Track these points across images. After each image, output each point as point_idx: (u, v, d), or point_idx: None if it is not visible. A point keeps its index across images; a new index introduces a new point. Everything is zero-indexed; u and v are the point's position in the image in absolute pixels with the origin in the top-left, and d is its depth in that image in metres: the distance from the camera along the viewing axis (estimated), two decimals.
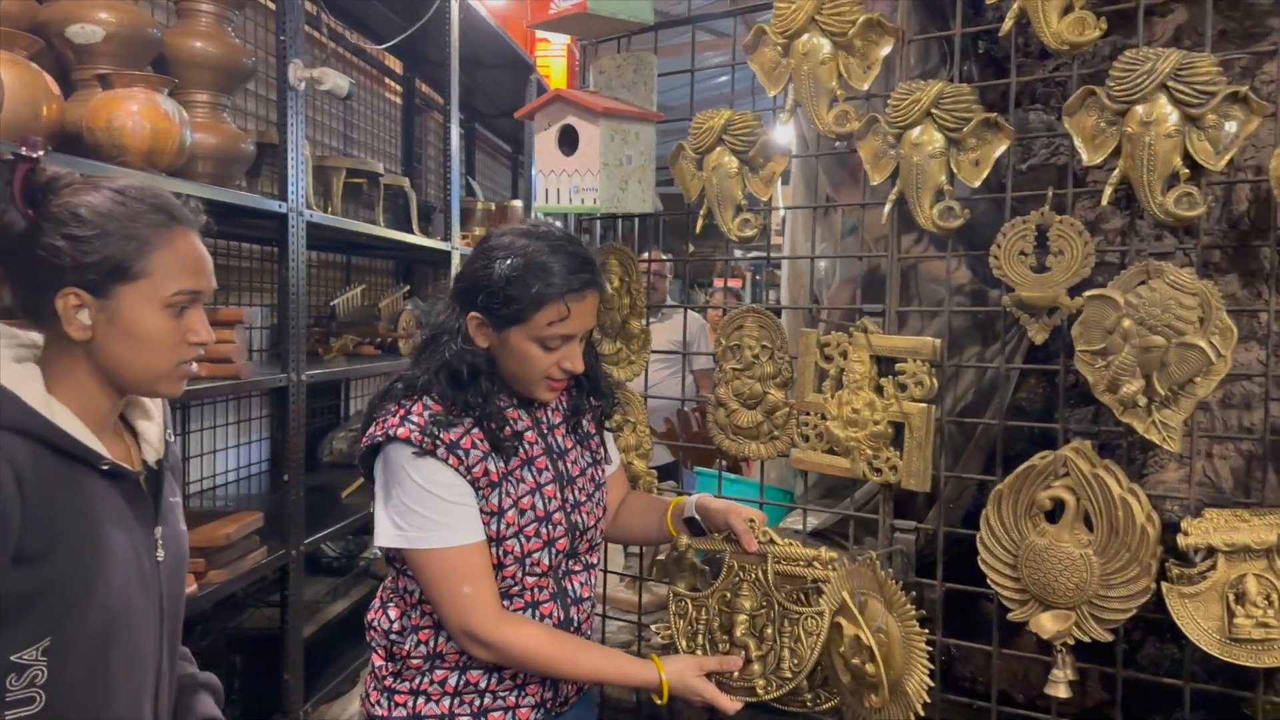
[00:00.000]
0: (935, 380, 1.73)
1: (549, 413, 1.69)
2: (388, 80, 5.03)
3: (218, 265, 3.22)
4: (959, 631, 1.94)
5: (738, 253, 7.67)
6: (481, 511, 1.52)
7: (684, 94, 2.01)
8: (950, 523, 1.88)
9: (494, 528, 1.52)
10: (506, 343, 1.54)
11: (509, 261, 1.50)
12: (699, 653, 1.69)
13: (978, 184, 1.68)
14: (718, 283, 10.11)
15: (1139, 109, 1.48)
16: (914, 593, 1.64)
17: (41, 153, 1.19)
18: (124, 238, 1.21)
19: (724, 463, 3.07)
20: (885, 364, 1.80)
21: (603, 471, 1.75)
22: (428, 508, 1.49)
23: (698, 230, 2.01)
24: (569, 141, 1.94)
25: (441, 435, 1.50)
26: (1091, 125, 1.55)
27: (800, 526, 2.39)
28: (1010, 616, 1.60)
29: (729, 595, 1.68)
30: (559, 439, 1.66)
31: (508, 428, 1.57)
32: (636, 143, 1.96)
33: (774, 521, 2.58)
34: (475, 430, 1.53)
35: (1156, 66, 1.46)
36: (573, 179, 1.93)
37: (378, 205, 3.55)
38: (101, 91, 2.13)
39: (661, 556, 2.08)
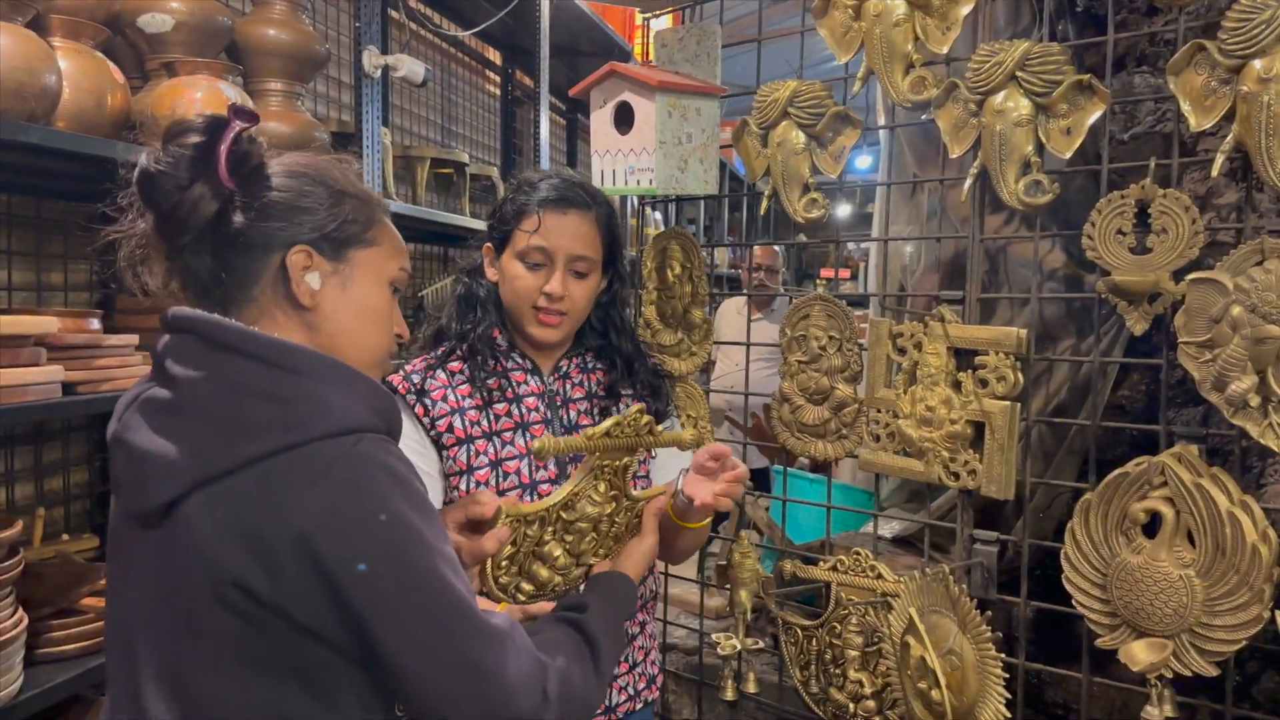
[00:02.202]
0: (1020, 376, 1.55)
1: (567, 385, 1.60)
2: (488, 72, 5.01)
3: None
4: (1051, 653, 1.75)
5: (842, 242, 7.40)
6: (448, 475, 1.47)
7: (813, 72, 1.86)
8: (1041, 534, 1.69)
9: (463, 487, 1.46)
10: (502, 270, 1.54)
11: (512, 187, 1.57)
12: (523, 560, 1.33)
13: (1070, 154, 1.50)
14: (826, 274, 9.84)
15: (1256, 64, 1.28)
16: (988, 611, 1.47)
17: (253, 120, 1.00)
18: (359, 200, 1.07)
19: (807, 462, 2.92)
20: (965, 357, 1.63)
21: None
22: None
23: (762, 211, 1.87)
24: (625, 119, 1.83)
25: (418, 382, 1.50)
26: (1200, 85, 1.36)
27: (883, 533, 2.23)
28: (1099, 643, 1.41)
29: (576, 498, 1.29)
30: (572, 414, 1.57)
31: (499, 377, 1.53)
32: (697, 119, 1.84)
33: (857, 526, 2.42)
34: (462, 387, 1.51)
35: (1278, 14, 1.26)
36: (628, 159, 1.82)
37: (463, 195, 3.52)
38: (167, 80, 2.13)
39: (723, 562, 1.95)
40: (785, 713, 1.89)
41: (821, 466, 3.00)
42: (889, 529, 2.19)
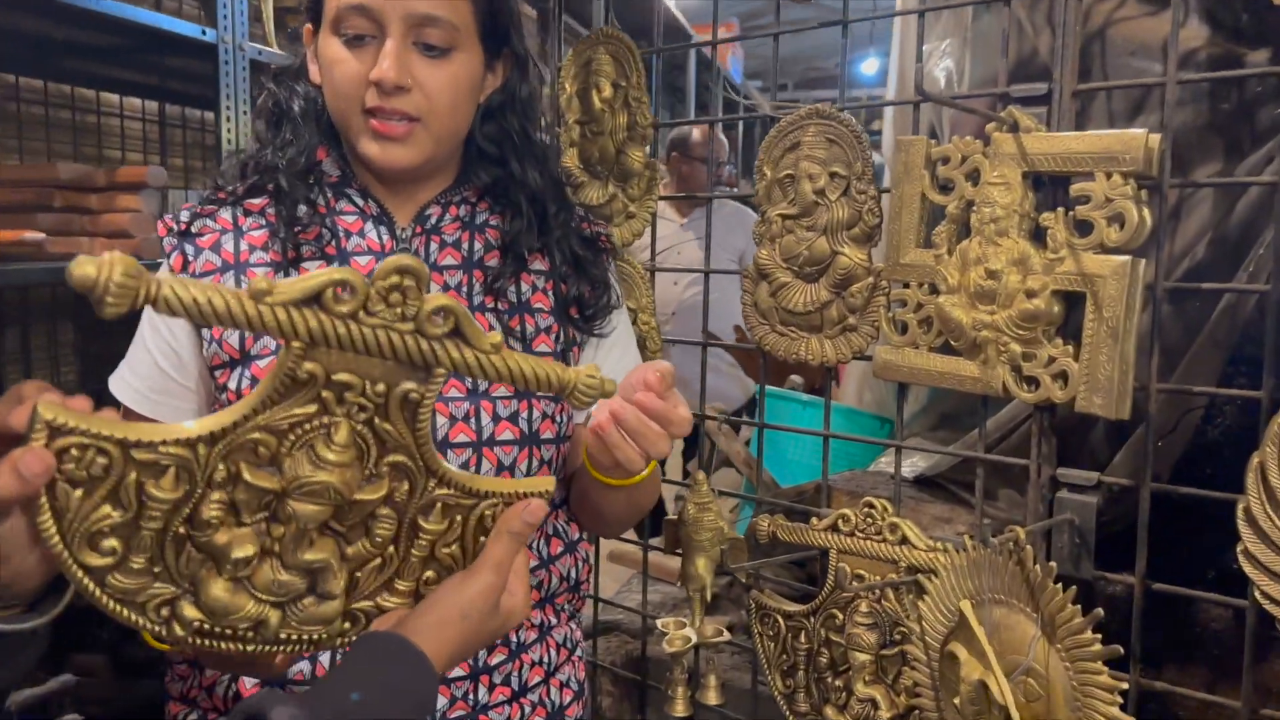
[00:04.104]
0: (1147, 213, 0.93)
1: (434, 245, 1.04)
2: None
3: (133, 126, 2.63)
4: (1151, 648, 1.16)
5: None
6: (213, 368, 0.98)
7: None
8: (1156, 473, 1.08)
9: (235, 387, 0.96)
10: (320, 58, 1.01)
11: None
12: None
13: None
14: None
15: None
16: (1098, 614, 0.86)
17: None
18: None
19: (800, 381, 2.32)
20: (1050, 190, 1.01)
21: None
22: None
23: None
24: None
25: (187, 220, 1.02)
26: None
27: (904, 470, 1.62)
28: None
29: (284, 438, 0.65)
30: (434, 290, 1.02)
31: (318, 223, 1.00)
32: None
33: (865, 462, 1.82)
34: (255, 233, 1.01)
35: None
36: None
37: None
38: None
39: (673, 516, 1.35)
40: None
41: (819, 387, 2.40)
42: (907, 464, 1.58)
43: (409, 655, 0.66)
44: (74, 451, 0.59)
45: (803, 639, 1.19)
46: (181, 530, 0.63)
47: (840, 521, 1.16)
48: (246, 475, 0.62)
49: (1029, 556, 0.90)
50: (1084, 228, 0.96)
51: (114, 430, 0.59)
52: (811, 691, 1.19)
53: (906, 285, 1.11)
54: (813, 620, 1.18)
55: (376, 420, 0.63)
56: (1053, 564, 0.88)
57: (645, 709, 1.41)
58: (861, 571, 1.14)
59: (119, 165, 2.42)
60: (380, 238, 1.02)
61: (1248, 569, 0.82)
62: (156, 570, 0.63)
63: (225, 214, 1.03)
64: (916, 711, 1.07)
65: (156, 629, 0.65)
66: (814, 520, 1.20)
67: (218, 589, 0.64)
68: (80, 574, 0.62)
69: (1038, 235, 1.00)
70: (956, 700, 0.95)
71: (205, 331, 0.99)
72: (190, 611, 0.65)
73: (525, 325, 1.02)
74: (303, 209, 1.01)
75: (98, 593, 0.63)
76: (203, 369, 1.01)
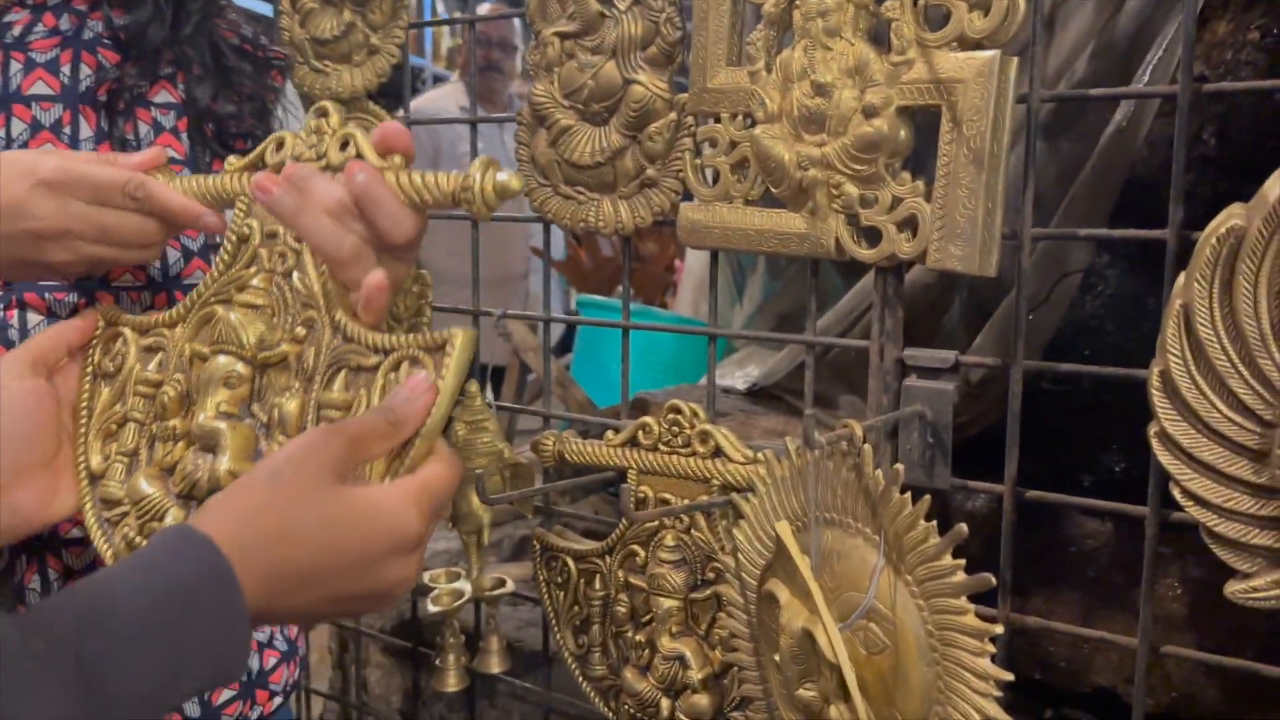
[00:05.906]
0: None
1: (10, 63, 0.75)
2: None
3: None
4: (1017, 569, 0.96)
5: None
6: None
7: None
8: (1030, 350, 0.86)
9: None
10: None
11: None
12: None
13: None
14: None
15: None
16: (961, 532, 0.62)
17: None
18: None
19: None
20: None
21: None
22: None
23: None
24: None
25: None
26: None
27: (730, 382, 1.37)
28: (1234, 592, 0.59)
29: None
30: (16, 131, 0.76)
31: None
32: None
33: (696, 376, 1.57)
34: None
35: None
36: None
37: None
38: None
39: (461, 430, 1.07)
40: (557, 705, 1.04)
41: (659, 303, 2.15)
42: (740, 374, 1.34)
43: (181, 539, 0.51)
44: (113, 344, 0.69)
45: (597, 584, 0.93)
46: (153, 429, 0.67)
47: (640, 433, 0.91)
48: (197, 346, 0.66)
49: (867, 458, 0.65)
50: (939, 21, 0.71)
51: (132, 317, 0.69)
52: (609, 650, 0.93)
53: (717, 120, 0.85)
54: (608, 560, 0.92)
55: (295, 274, 0.64)
56: (899, 466, 0.64)
57: (418, 682, 1.14)
58: (667, 495, 0.89)
59: None
60: None
61: (1164, 458, 0.60)
62: (128, 481, 0.66)
63: None
64: (734, 669, 0.83)
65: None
66: (609, 435, 0.94)
67: (141, 474, 0.66)
68: (85, 478, 0.67)
69: (880, 38, 0.75)
70: (777, 656, 0.71)
71: None
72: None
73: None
74: None
75: (88, 501, 0.67)
76: None
